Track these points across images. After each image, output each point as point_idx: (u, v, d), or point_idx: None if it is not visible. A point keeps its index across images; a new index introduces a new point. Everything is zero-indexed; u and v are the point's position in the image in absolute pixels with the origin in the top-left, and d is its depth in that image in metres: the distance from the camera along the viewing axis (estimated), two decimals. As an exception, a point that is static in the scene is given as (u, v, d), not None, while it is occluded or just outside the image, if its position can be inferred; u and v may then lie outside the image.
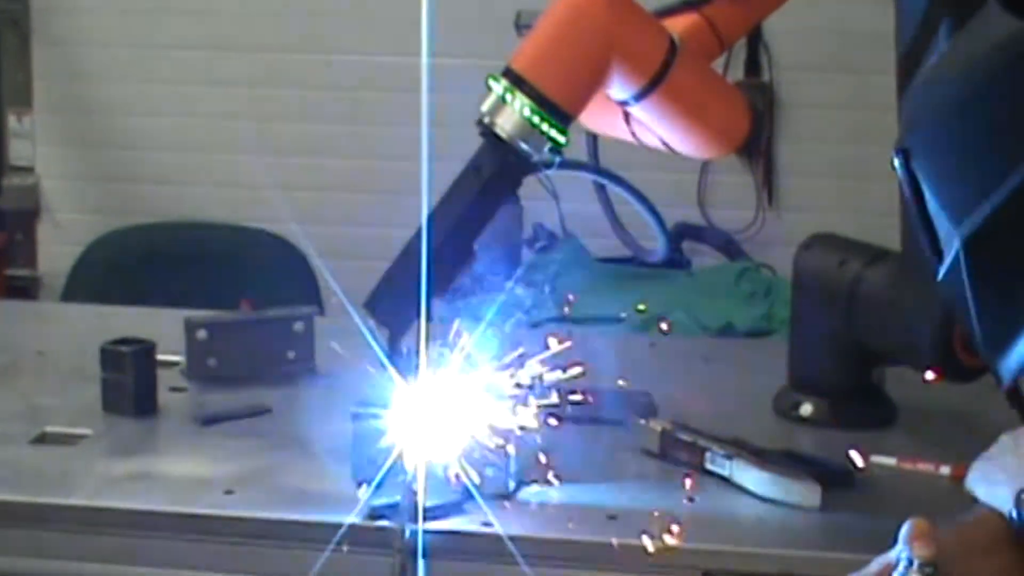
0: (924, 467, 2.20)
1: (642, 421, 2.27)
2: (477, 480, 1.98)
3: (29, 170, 4.81)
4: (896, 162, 1.39)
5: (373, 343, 1.95)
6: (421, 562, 1.85)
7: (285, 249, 3.72)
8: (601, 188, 2.15)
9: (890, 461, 2.22)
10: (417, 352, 1.90)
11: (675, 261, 4.14)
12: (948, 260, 1.36)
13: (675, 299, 3.78)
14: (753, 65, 4.48)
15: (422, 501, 1.92)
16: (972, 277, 1.33)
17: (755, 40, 4.36)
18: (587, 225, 4.19)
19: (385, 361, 1.93)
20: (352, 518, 1.99)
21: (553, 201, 4.24)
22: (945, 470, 2.18)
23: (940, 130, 1.34)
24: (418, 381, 1.92)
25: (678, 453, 2.21)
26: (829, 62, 4.46)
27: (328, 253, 3.71)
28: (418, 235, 1.92)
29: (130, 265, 3.77)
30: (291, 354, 2.58)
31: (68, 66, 4.76)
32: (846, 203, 4.31)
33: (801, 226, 2.76)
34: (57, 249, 4.63)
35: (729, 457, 2.14)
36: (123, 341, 2.42)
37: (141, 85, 4.73)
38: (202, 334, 2.55)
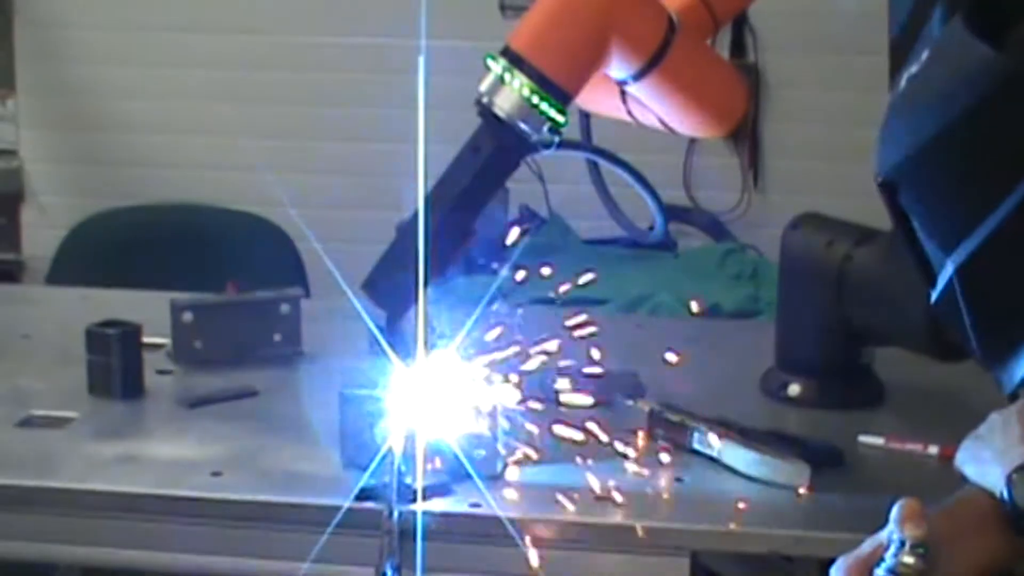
0: (912, 447, 2.20)
1: (629, 402, 2.27)
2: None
3: (13, 153, 4.79)
4: (881, 195, 1.39)
5: (370, 324, 1.95)
6: (419, 543, 1.85)
7: (271, 231, 3.71)
8: (595, 169, 2.15)
9: (879, 441, 2.22)
10: (415, 334, 1.90)
11: (661, 242, 4.13)
12: (941, 285, 1.36)
13: (661, 280, 3.78)
14: (739, 46, 4.47)
15: (420, 483, 1.92)
16: (967, 300, 1.34)
17: (740, 20, 4.35)
18: (573, 207, 4.18)
19: (383, 343, 1.92)
20: (340, 500, 1.99)
21: (539, 183, 4.23)
22: (933, 450, 2.18)
23: (923, 165, 1.34)
24: (415, 363, 1.92)
25: (666, 433, 2.21)
26: (815, 42, 4.45)
27: (314, 236, 3.70)
28: (416, 217, 1.91)
29: (115, 248, 3.75)
30: (277, 336, 2.57)
31: (52, 48, 4.74)
32: (832, 184, 4.29)
33: (787, 207, 2.75)
34: (41, 232, 4.61)
35: (718, 437, 2.14)
36: (109, 324, 2.41)
37: (126, 67, 4.71)
38: (188, 316, 2.55)
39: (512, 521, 1.94)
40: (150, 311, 2.56)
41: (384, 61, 4.40)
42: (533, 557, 1.90)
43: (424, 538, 1.91)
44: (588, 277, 2.09)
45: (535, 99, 1.91)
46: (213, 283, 2.79)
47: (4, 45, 4.74)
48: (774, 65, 4.51)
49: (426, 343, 1.88)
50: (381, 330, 1.94)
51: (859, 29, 4.23)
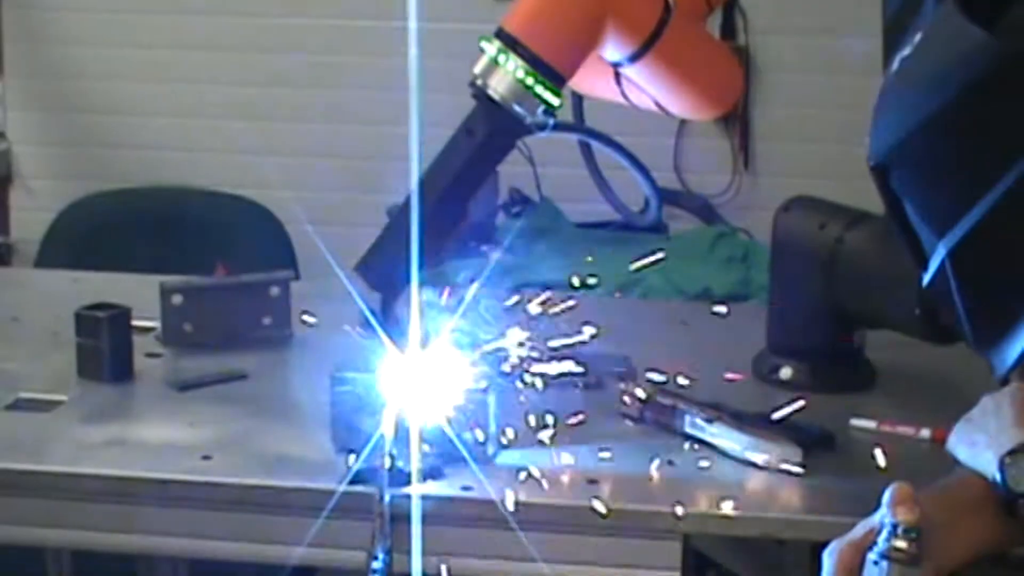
0: (904, 430, 2.20)
1: (621, 384, 2.26)
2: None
3: (0, 135, 4.77)
4: (873, 178, 1.39)
5: (364, 307, 1.94)
6: (417, 526, 1.84)
7: (261, 214, 3.70)
8: (588, 152, 2.13)
9: (870, 424, 2.22)
10: (408, 317, 1.89)
11: (652, 226, 4.12)
12: (933, 268, 1.36)
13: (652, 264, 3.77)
14: (728, 28, 4.46)
15: (415, 466, 1.92)
16: (960, 284, 1.34)
17: (731, 3, 4.34)
18: (564, 190, 4.17)
19: (376, 326, 1.92)
20: (331, 484, 1.98)
21: (530, 166, 4.22)
22: (925, 433, 2.18)
23: (916, 146, 1.34)
24: (408, 346, 1.91)
25: (658, 416, 2.20)
26: (805, 25, 4.44)
27: (302, 219, 3.69)
28: (410, 199, 1.91)
29: (103, 231, 3.73)
30: (267, 319, 2.56)
31: (40, 30, 4.72)
32: (822, 167, 4.30)
33: (777, 190, 2.75)
34: (29, 215, 4.59)
35: (709, 420, 2.14)
36: (98, 306, 2.40)
37: (114, 49, 4.69)
38: (177, 299, 2.54)
39: (502, 505, 1.94)
40: (139, 294, 2.55)
41: (375, 44, 4.39)
42: (525, 540, 1.90)
43: (411, 521, 1.91)
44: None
45: (529, 81, 1.90)
46: (202, 266, 2.78)
47: (-9, 28, 4.73)
48: (764, 48, 4.50)
49: (420, 326, 1.88)
50: (374, 313, 1.93)
51: (850, 12, 4.22)
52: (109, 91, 4.72)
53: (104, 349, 2.37)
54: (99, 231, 3.73)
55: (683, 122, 4.40)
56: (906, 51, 1.38)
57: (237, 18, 4.64)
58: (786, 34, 4.48)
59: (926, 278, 1.39)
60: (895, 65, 1.39)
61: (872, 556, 1.57)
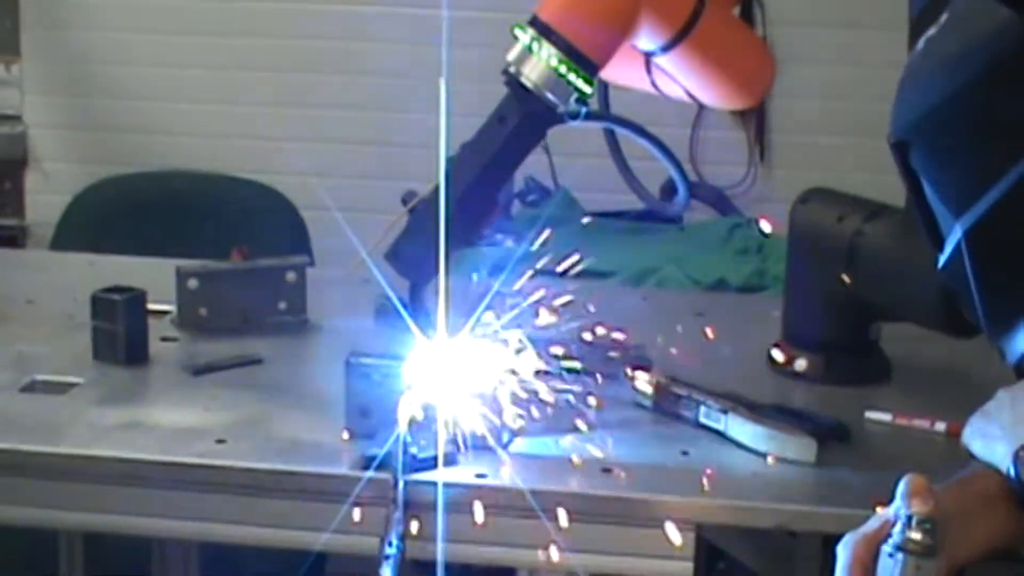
0: (919, 423, 2.20)
1: (636, 374, 2.26)
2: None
3: (17, 119, 4.77)
4: (893, 155, 1.39)
5: (391, 294, 1.94)
6: (441, 514, 1.84)
7: (275, 199, 3.70)
8: (614, 140, 2.13)
9: (885, 417, 2.21)
10: (436, 305, 1.89)
11: (667, 216, 4.12)
12: (950, 249, 1.36)
13: (666, 254, 3.77)
14: (746, 19, 4.44)
15: (441, 452, 1.92)
16: (975, 266, 1.34)
17: (750, -7, 4.34)
18: (580, 179, 4.17)
19: (404, 313, 1.92)
20: (345, 469, 1.99)
21: (545, 154, 4.21)
22: (940, 426, 2.17)
23: (936, 124, 1.34)
24: (436, 333, 1.91)
25: (672, 407, 2.20)
26: (823, 16, 4.43)
27: (317, 205, 3.69)
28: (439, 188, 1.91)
29: (119, 214, 3.73)
30: (283, 304, 2.56)
31: (56, 13, 4.72)
32: (838, 160, 4.29)
33: (793, 182, 2.74)
34: (45, 198, 4.60)
35: (724, 411, 2.14)
36: (114, 290, 2.40)
37: (132, 34, 4.69)
38: (193, 283, 2.54)
39: (515, 492, 1.94)
40: (155, 278, 2.55)
41: (392, 31, 4.39)
42: (547, 528, 1.90)
43: (423, 508, 1.91)
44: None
45: (563, 69, 1.90)
46: (217, 251, 2.78)
47: (9, 11, 4.72)
48: (782, 39, 4.48)
49: (447, 315, 1.87)
50: (401, 300, 1.93)
51: (868, 3, 4.21)
52: (126, 75, 4.72)
53: (120, 332, 2.37)
54: (115, 215, 3.73)
55: (699, 113, 4.40)
56: (932, 31, 1.38)
57: (255, 3, 4.63)
58: (803, 25, 4.47)
59: (942, 259, 1.39)
60: (921, 44, 1.39)
61: (887, 548, 1.56)
